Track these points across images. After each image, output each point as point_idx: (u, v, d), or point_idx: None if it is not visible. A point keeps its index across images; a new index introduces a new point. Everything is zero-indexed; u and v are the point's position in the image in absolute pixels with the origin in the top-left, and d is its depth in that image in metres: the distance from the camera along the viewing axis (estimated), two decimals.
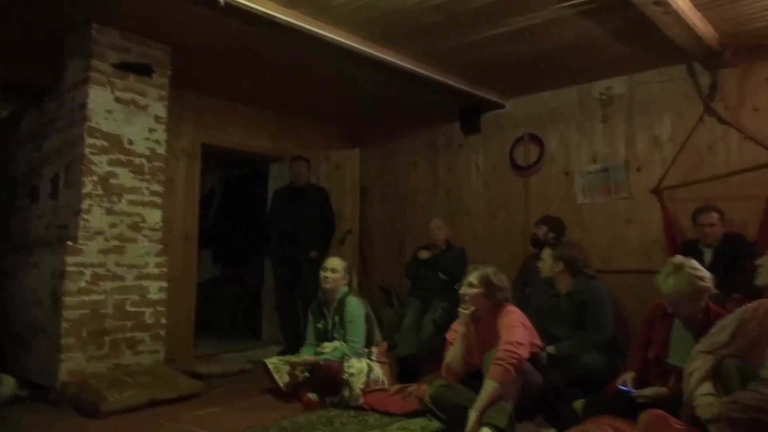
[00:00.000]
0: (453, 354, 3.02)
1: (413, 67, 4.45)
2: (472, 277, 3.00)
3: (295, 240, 5.10)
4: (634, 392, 2.63)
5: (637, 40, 4.01)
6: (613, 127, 4.87)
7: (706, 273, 2.59)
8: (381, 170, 6.44)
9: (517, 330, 2.83)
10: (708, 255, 3.86)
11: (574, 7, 3.50)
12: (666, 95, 4.59)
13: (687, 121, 4.37)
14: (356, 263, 5.91)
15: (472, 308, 2.97)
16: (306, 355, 3.71)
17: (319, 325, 3.90)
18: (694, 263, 2.60)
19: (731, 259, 3.68)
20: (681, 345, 2.58)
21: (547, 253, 3.68)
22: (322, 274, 3.83)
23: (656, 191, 4.38)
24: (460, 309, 3.02)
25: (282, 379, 3.66)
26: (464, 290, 3.00)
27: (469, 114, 5.64)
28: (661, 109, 4.62)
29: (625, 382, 2.72)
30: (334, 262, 3.85)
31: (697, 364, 2.22)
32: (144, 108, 4.10)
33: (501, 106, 5.50)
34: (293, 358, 3.65)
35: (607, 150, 4.89)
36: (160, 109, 4.18)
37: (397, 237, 6.23)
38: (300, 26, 3.65)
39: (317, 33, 3.75)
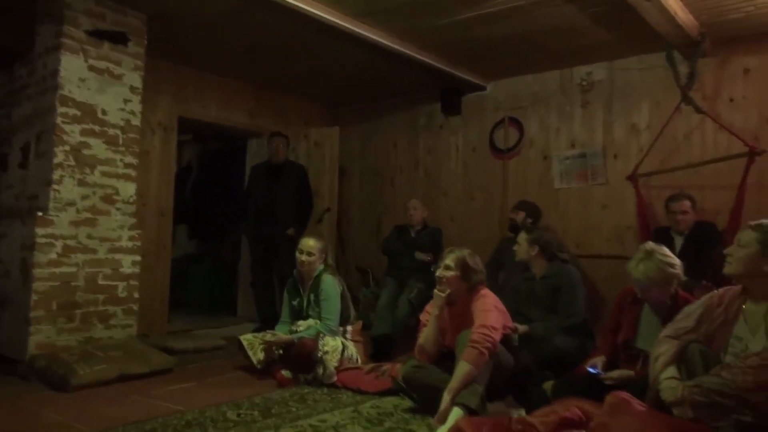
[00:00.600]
0: (426, 335, 3.04)
1: (394, 45, 4.42)
2: (449, 260, 3.01)
3: (272, 217, 5.07)
4: (602, 374, 2.69)
5: (619, 26, 4.02)
6: (592, 113, 4.90)
7: (676, 260, 2.64)
8: (361, 149, 6.41)
9: (491, 314, 2.86)
10: (679, 242, 3.93)
11: None
12: (645, 83, 4.63)
13: (664, 110, 4.42)
14: (333, 242, 5.90)
15: (448, 291, 2.99)
16: (281, 333, 3.71)
17: (294, 303, 3.90)
18: (665, 250, 2.65)
19: (702, 247, 3.76)
20: (649, 330, 2.63)
21: (522, 237, 3.71)
22: (297, 255, 3.81)
23: (632, 178, 4.43)
24: (435, 291, 3.03)
25: (256, 356, 3.66)
26: (441, 273, 3.01)
27: (450, 95, 5.63)
28: (639, 96, 4.66)
29: (594, 364, 2.78)
30: (310, 244, 3.81)
31: (662, 348, 2.27)
32: (119, 77, 4.00)
33: (482, 88, 5.49)
34: (268, 337, 3.65)
35: (585, 135, 4.93)
36: (135, 79, 4.09)
37: (375, 216, 6.23)
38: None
39: (297, 6, 3.70)
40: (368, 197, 6.33)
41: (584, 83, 4.92)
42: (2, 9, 3.97)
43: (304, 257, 3.78)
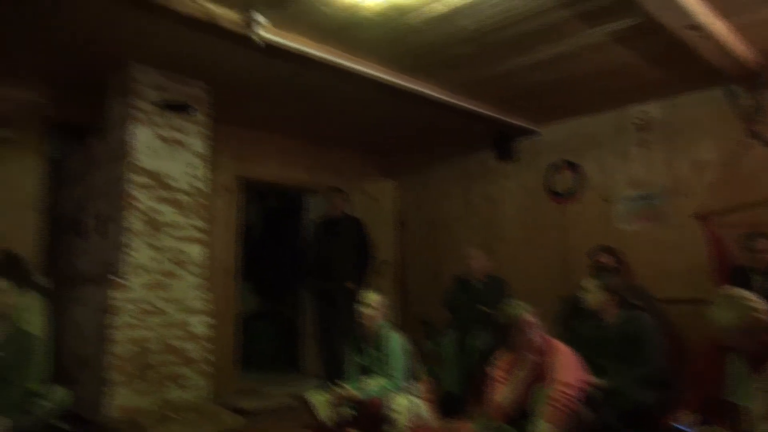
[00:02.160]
0: (505, 395, 2.95)
1: (445, 97, 4.48)
2: (530, 316, 2.95)
3: (331, 272, 5.11)
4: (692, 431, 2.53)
5: (673, 63, 3.96)
6: (651, 152, 4.79)
7: (760, 304, 2.49)
8: (417, 199, 6.44)
9: (569, 370, 2.79)
10: (757, 281, 3.73)
11: (606, 33, 3.48)
12: (705, 118, 4.50)
13: (727, 144, 4.27)
14: (395, 295, 5.88)
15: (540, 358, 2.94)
16: (350, 388, 3.65)
17: (359, 360, 3.87)
18: (746, 294, 2.51)
19: None
20: (739, 381, 2.47)
21: (591, 284, 3.59)
22: (359, 308, 3.81)
23: (699, 217, 4.26)
24: (528, 354, 2.95)
25: (323, 414, 3.63)
26: (531, 337, 2.95)
27: (504, 141, 5.63)
28: (700, 132, 4.53)
29: (681, 420, 2.62)
30: (371, 298, 3.81)
31: (757, 401, 2.12)
32: (184, 144, 4.20)
33: (536, 132, 5.47)
34: (338, 390, 3.61)
35: (646, 175, 4.80)
36: (200, 145, 4.28)
37: (435, 266, 6.18)
38: (332, 60, 3.73)
39: (349, 66, 3.82)
40: (427, 247, 6.31)
41: (640, 122, 4.83)
42: (76, 86, 4.27)
43: (365, 309, 3.77)
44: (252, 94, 4.57)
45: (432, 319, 5.70)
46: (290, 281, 6.63)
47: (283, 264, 6.79)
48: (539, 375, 2.82)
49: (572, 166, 5.24)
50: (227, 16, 3.16)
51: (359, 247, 5.27)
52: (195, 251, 4.16)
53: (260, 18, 3.20)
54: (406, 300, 6.31)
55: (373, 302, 3.79)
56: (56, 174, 4.80)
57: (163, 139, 4.09)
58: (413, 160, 6.50)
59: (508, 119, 5.10)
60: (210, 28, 3.20)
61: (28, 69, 4.04)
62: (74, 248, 4.49)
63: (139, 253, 3.88)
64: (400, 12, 3.22)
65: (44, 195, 4.44)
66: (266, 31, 3.29)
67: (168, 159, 4.10)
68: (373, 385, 3.63)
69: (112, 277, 3.79)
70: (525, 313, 2.96)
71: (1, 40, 3.60)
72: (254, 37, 3.27)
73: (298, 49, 3.54)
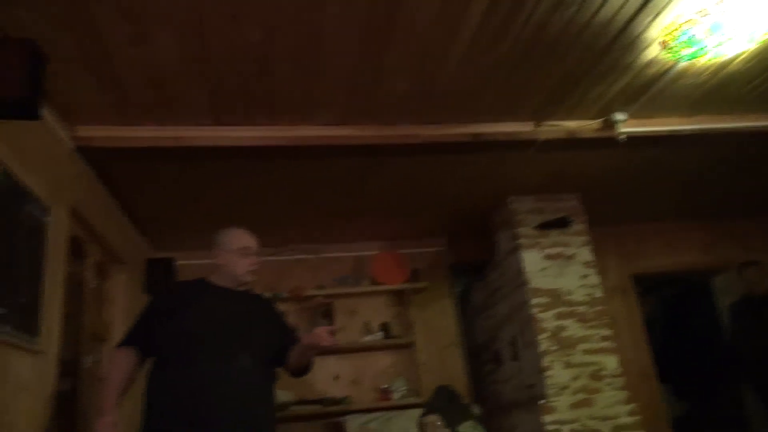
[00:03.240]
0: None
1: None
2: None
3: None
4: None
5: None
6: None
7: None
8: None
9: None
10: None
11: None
12: None
13: None
14: None
15: None
16: None
17: None
18: None
19: None
20: None
21: None
22: None
23: None
24: None
25: None
26: None
27: None
28: None
29: None
30: None
31: None
32: (571, 257, 4.26)
33: None
34: None
35: None
36: (586, 254, 4.29)
37: None
38: (704, 128, 3.43)
39: (724, 128, 3.45)
40: None
41: None
42: (467, 230, 4.82)
43: None
44: (623, 190, 4.43)
45: None
46: (719, 375, 5.76)
47: (704, 358, 5.98)
48: None
49: None
50: (586, 126, 3.24)
51: None
52: (609, 362, 4.01)
53: (619, 116, 3.18)
54: None
55: None
56: (463, 309, 5.38)
57: (552, 257, 4.22)
58: None
59: None
60: (572, 143, 3.32)
61: (433, 228, 4.81)
62: (495, 376, 4.82)
63: (558, 372, 3.92)
64: None
65: (459, 330, 4.97)
66: (627, 125, 3.24)
67: (560, 275, 4.19)
68: None
69: (542, 402, 3.87)
70: None
71: (418, 212, 4.44)
72: (616, 136, 3.24)
73: (663, 131, 3.38)
